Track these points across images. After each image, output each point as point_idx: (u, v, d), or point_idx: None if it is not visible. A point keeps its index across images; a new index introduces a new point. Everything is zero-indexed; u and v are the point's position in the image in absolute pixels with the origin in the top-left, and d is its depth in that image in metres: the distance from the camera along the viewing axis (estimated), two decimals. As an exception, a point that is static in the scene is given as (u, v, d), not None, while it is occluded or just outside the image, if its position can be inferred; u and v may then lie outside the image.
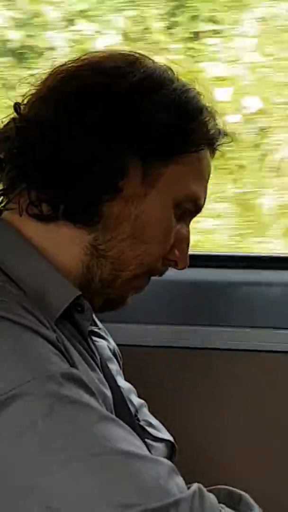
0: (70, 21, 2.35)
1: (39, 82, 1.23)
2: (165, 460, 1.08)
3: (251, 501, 1.16)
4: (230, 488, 1.17)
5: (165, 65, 1.26)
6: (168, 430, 1.38)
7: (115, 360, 1.37)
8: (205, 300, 2.00)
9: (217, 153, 1.33)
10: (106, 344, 1.36)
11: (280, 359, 1.92)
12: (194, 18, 2.38)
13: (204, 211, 1.32)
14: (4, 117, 1.22)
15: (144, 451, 1.09)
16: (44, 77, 1.23)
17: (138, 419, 1.34)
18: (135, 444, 1.07)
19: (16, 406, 1.01)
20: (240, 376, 1.93)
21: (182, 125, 1.21)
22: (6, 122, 1.22)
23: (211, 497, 1.05)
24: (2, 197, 1.22)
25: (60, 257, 1.20)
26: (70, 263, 1.20)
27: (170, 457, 1.30)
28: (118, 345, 1.40)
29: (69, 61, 1.24)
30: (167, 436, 1.36)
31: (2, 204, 1.21)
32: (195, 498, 1.03)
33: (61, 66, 1.23)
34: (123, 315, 1.29)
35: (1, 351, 1.06)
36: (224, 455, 1.88)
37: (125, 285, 1.24)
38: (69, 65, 1.23)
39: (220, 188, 2.27)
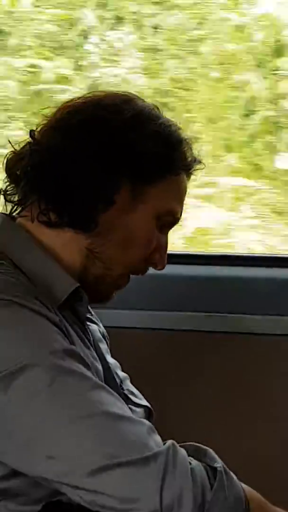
0: None
1: (50, 114, 1.37)
2: (146, 421, 1.23)
3: (215, 455, 1.25)
4: (197, 444, 1.26)
5: (152, 104, 1.40)
6: (149, 400, 1.51)
7: (104, 340, 1.50)
8: (180, 290, 2.14)
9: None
10: (97, 328, 1.49)
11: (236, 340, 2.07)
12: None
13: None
14: (21, 141, 1.37)
15: (129, 413, 1.23)
16: (54, 110, 1.37)
17: (122, 388, 1.47)
18: (122, 408, 1.21)
19: (27, 375, 1.15)
20: (216, 355, 2.07)
21: (166, 154, 1.35)
22: (22, 145, 1.36)
23: (182, 451, 1.18)
24: (17, 206, 1.37)
25: (63, 256, 1.33)
26: (71, 261, 1.34)
27: (147, 419, 1.34)
28: (107, 327, 1.54)
29: (75, 98, 1.37)
30: (145, 402, 1.49)
31: (17, 212, 1.36)
32: (169, 452, 1.16)
33: (68, 101, 1.37)
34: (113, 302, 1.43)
35: (15, 330, 1.20)
36: (207, 431, 1.84)
37: (112, 282, 1.39)
38: (75, 101, 1.37)
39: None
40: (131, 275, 1.45)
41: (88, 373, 1.24)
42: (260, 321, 2.15)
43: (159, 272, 1.44)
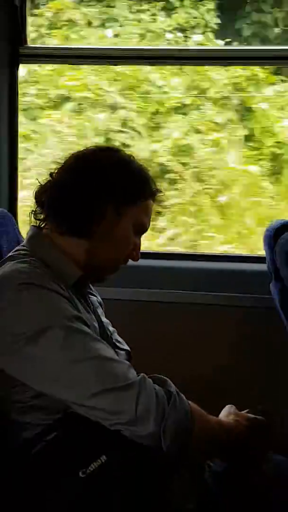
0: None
1: (64, 160, 1.50)
2: (126, 361, 1.40)
3: (171, 382, 1.39)
4: (159, 376, 1.41)
5: (129, 153, 1.53)
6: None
7: (100, 307, 1.64)
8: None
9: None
10: (96, 299, 1.63)
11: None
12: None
13: None
14: (43, 180, 1.50)
15: (115, 356, 1.40)
16: (66, 157, 1.51)
17: (112, 339, 1.61)
18: (110, 353, 1.39)
19: (50, 332, 1.32)
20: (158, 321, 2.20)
21: (139, 186, 1.49)
22: (44, 182, 1.50)
23: (150, 380, 1.36)
24: (42, 221, 1.50)
25: (73, 255, 1.47)
26: (78, 257, 1.47)
27: (128, 359, 1.56)
28: (103, 299, 1.68)
29: (80, 150, 1.51)
30: (126, 347, 1.64)
31: (43, 225, 1.50)
32: (141, 381, 1.34)
33: (75, 152, 1.50)
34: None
35: (40, 304, 1.35)
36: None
37: (105, 270, 1.53)
38: (80, 152, 1.51)
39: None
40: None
41: (89, 331, 1.38)
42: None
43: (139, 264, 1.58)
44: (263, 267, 1.98)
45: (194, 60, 2.41)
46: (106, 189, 1.45)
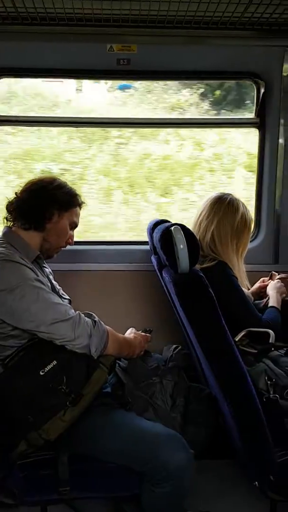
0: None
1: (24, 185, 1.66)
2: (68, 304, 1.62)
3: (95, 315, 1.54)
4: (88, 312, 1.54)
5: (63, 180, 1.71)
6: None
7: (51, 274, 1.80)
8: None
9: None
10: (48, 270, 1.80)
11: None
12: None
13: None
14: (11, 197, 1.64)
15: (61, 301, 1.56)
16: (25, 183, 1.66)
17: (58, 292, 1.77)
18: (58, 300, 1.57)
19: (20, 288, 1.47)
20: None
21: (71, 199, 1.66)
22: (12, 198, 1.64)
23: (83, 315, 1.53)
24: (12, 223, 1.63)
25: (32, 242, 1.63)
26: (35, 243, 1.64)
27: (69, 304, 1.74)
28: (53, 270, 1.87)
29: (36, 178, 1.66)
30: (68, 297, 1.80)
31: (12, 225, 1.63)
32: (77, 315, 1.51)
33: (32, 179, 1.67)
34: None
35: (13, 271, 1.47)
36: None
37: (53, 251, 1.69)
38: (34, 180, 1.67)
39: None
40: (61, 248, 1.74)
41: (44, 287, 1.57)
42: None
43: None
44: (147, 247, 2.13)
45: None
46: (52, 202, 1.64)
